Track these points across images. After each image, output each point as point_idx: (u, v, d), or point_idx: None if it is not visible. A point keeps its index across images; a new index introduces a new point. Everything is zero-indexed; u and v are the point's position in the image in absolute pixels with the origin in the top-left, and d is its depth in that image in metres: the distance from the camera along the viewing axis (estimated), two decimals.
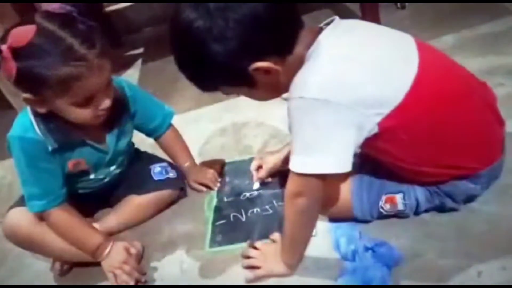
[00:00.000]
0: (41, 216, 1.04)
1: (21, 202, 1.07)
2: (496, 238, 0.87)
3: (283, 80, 0.80)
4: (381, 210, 0.93)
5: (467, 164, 0.85)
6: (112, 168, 1.14)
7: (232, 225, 1.11)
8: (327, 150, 0.76)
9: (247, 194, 1.19)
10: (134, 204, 1.19)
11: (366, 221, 0.96)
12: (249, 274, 0.96)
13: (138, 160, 1.25)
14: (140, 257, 1.09)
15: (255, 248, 1.00)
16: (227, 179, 1.27)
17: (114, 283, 1.02)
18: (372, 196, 0.93)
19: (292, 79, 0.78)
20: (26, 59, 0.85)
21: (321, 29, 0.80)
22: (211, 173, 1.26)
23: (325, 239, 0.98)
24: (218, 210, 1.18)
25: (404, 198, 0.91)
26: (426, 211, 0.94)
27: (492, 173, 0.89)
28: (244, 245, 1.03)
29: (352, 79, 0.75)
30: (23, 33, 0.85)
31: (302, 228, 0.88)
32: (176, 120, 1.39)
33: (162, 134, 1.23)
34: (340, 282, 0.88)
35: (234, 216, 1.14)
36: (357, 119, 0.76)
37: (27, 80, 0.88)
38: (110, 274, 1.03)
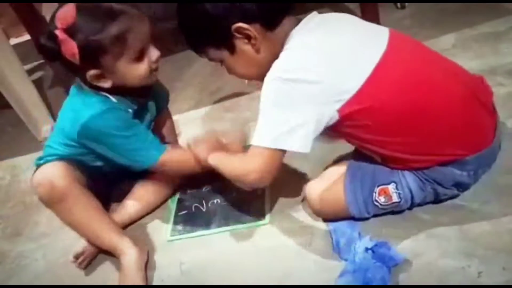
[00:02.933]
0: (77, 179, 1.05)
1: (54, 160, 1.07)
2: (497, 238, 0.86)
3: (260, 56, 0.87)
4: (376, 203, 0.93)
5: (448, 151, 0.86)
6: None
7: (193, 215, 1.17)
8: (287, 128, 0.81)
9: (209, 187, 1.24)
10: (150, 184, 1.20)
11: (363, 219, 0.96)
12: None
13: None
14: (146, 260, 1.08)
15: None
16: None
17: None
18: (365, 191, 0.93)
19: (268, 61, 0.85)
20: (80, 33, 0.92)
21: (299, 21, 0.87)
22: None
23: (324, 240, 0.98)
24: (180, 201, 1.23)
25: (396, 188, 0.91)
26: (423, 204, 0.94)
27: (480, 161, 0.89)
28: (202, 233, 1.11)
29: (315, 65, 0.81)
30: (67, 13, 0.92)
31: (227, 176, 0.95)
32: (175, 120, 1.39)
33: (163, 109, 1.28)
34: (340, 282, 0.87)
35: (195, 206, 1.19)
36: (318, 102, 0.82)
37: (88, 52, 0.93)
38: None
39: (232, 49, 0.88)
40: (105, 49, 0.94)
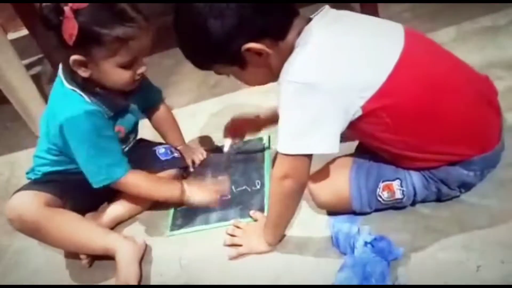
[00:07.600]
0: (48, 202, 1.03)
1: (27, 186, 1.08)
2: (495, 232, 0.86)
3: (273, 66, 0.85)
4: (379, 199, 0.93)
5: (457, 151, 0.86)
6: (132, 138, 1.20)
7: (192, 210, 1.17)
8: (313, 132, 0.80)
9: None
10: (126, 199, 1.19)
11: (365, 213, 0.96)
12: (232, 251, 1.00)
13: (139, 145, 1.26)
14: (144, 252, 1.08)
15: (238, 227, 1.05)
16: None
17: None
18: (369, 185, 0.93)
19: (281, 66, 0.83)
20: (86, 18, 0.93)
21: (310, 19, 0.84)
22: (195, 153, 1.32)
23: (324, 234, 0.98)
24: None
25: (401, 185, 0.91)
26: (424, 201, 0.94)
27: (486, 161, 0.89)
28: (202, 227, 1.11)
29: (336, 64, 0.80)
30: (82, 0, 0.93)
31: (286, 210, 0.93)
32: (174, 114, 1.39)
33: (156, 107, 1.28)
34: (339, 276, 0.87)
35: None
36: (342, 102, 0.80)
37: (85, 39, 0.94)
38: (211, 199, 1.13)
39: (243, 66, 0.85)
40: (102, 43, 0.95)
